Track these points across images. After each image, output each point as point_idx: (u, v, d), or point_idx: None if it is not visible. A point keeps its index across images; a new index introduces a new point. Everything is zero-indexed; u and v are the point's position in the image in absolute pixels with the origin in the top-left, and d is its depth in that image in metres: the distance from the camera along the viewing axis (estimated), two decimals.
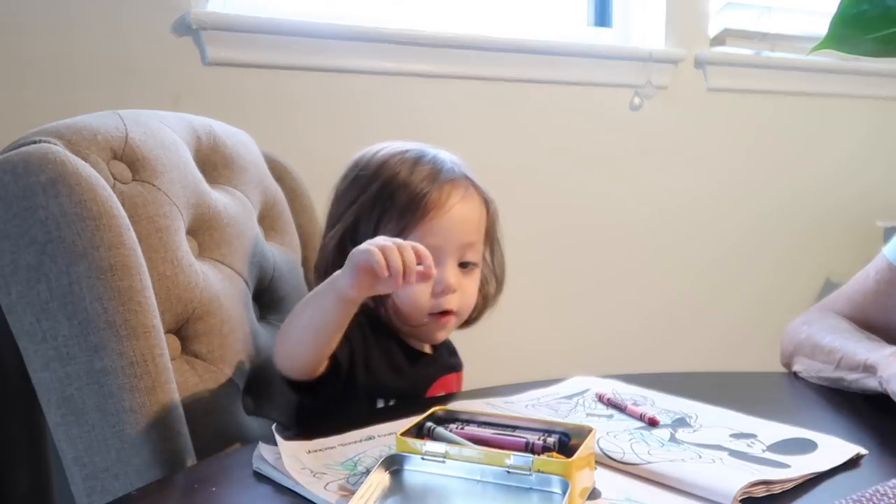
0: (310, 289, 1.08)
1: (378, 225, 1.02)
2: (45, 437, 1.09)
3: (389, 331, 1.06)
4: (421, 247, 0.85)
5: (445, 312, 1.04)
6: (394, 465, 0.72)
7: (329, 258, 1.05)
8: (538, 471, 0.67)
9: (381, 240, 0.84)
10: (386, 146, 1.07)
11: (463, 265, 1.05)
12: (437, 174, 1.04)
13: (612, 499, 0.73)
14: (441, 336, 1.08)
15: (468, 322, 1.12)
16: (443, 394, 1.09)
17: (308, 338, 0.90)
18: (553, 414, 0.94)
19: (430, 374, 1.09)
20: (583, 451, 0.69)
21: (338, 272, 0.87)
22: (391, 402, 1.03)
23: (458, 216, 1.03)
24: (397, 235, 0.98)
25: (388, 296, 1.02)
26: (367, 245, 0.83)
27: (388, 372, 1.04)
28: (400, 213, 1.01)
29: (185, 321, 1.00)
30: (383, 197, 1.02)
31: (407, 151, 1.06)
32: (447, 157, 1.08)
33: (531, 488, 0.67)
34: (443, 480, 0.70)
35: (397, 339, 1.07)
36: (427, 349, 1.11)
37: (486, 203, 1.09)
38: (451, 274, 1.03)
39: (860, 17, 0.60)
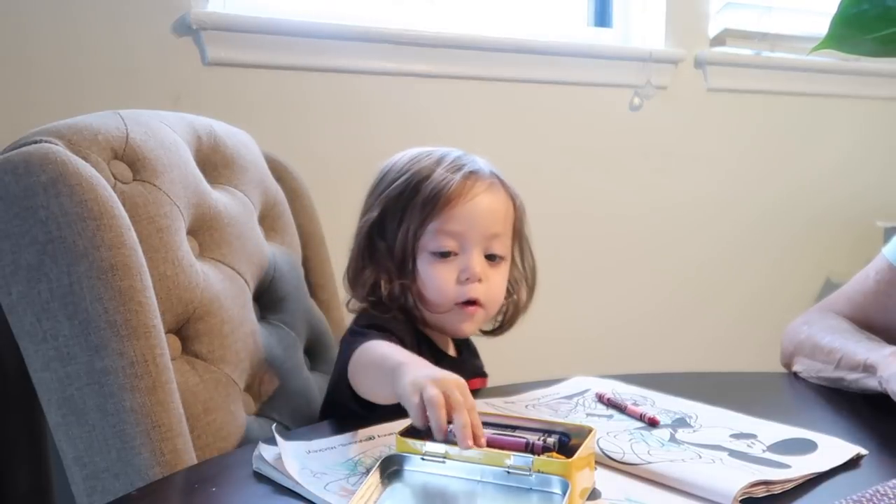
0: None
1: (403, 214, 1.03)
2: (46, 437, 1.09)
3: (418, 332, 1.07)
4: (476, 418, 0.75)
5: (471, 303, 1.04)
6: (393, 465, 0.72)
7: (357, 247, 1.07)
8: (538, 471, 0.67)
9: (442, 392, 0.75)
10: (417, 148, 1.10)
11: (490, 258, 1.05)
12: (462, 167, 1.05)
13: (612, 499, 0.73)
14: (468, 329, 1.07)
15: (500, 329, 1.13)
16: None
17: (379, 398, 0.90)
18: (553, 414, 0.95)
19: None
20: (583, 452, 0.69)
21: (408, 376, 0.79)
22: None
23: (482, 205, 1.04)
24: (420, 225, 1.02)
25: (414, 284, 1.04)
26: (432, 392, 0.74)
27: None
28: (423, 203, 1.02)
29: (186, 321, 1.00)
30: (408, 189, 1.04)
31: (435, 150, 1.09)
32: (475, 156, 1.10)
33: (531, 489, 0.67)
34: (443, 481, 0.70)
35: (427, 341, 1.08)
36: (452, 351, 1.11)
37: (513, 199, 1.09)
38: (477, 262, 1.03)
39: (860, 17, 0.60)
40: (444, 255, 1.03)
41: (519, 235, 1.11)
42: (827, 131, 2.42)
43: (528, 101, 1.93)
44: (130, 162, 0.97)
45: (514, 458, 0.68)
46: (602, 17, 2.16)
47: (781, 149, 2.35)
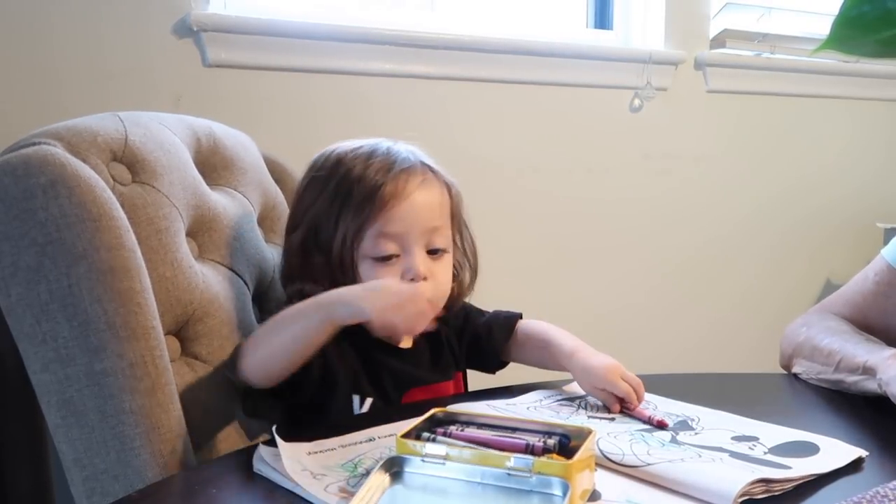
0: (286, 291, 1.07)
1: (337, 223, 1.00)
2: (46, 439, 1.09)
3: (366, 334, 1.01)
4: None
5: None
6: (394, 467, 0.72)
7: (293, 261, 1.04)
8: (538, 473, 0.66)
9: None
10: (341, 145, 1.06)
11: (432, 252, 1.03)
12: (392, 164, 1.02)
13: (612, 500, 0.73)
14: (417, 327, 1.00)
15: (445, 311, 1.09)
16: (439, 395, 1.09)
17: (289, 354, 0.92)
18: (555, 416, 0.94)
19: (406, 377, 1.06)
20: (583, 453, 0.69)
21: (335, 298, 0.90)
22: (367, 401, 1.01)
23: (418, 202, 1.01)
24: (357, 230, 0.99)
25: None
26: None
27: (361, 373, 1.03)
28: (357, 207, 0.99)
29: (185, 323, 1.00)
30: (340, 194, 1.01)
31: (360, 147, 1.04)
32: (402, 147, 1.06)
33: (532, 490, 0.67)
34: (443, 482, 0.70)
35: (376, 341, 1.03)
36: (407, 342, 1.07)
37: (448, 187, 1.07)
38: (420, 261, 1.01)
39: (861, 18, 0.60)
40: (386, 258, 1.00)
41: (457, 221, 1.09)
42: (827, 133, 2.42)
43: (528, 102, 1.93)
44: (129, 164, 0.97)
45: (514, 460, 0.68)
46: (602, 18, 2.16)
47: (781, 150, 2.35)
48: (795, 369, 1.12)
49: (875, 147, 2.51)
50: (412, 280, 1.00)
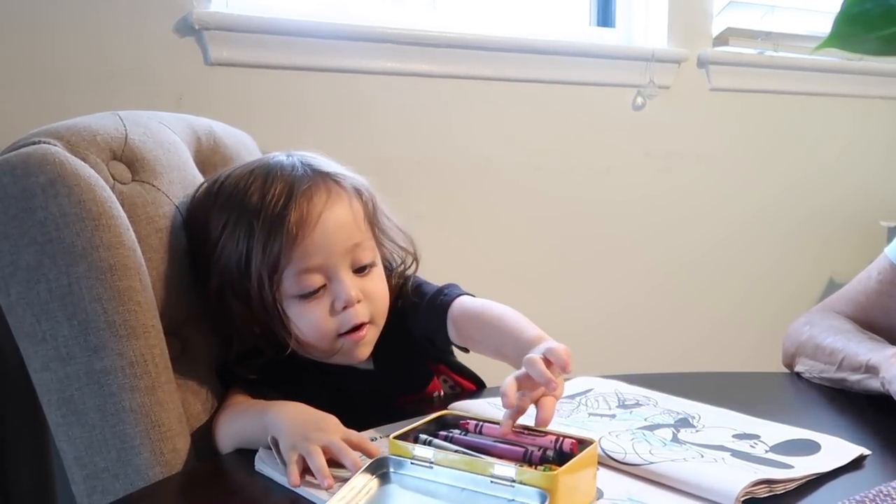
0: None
1: (248, 266, 0.91)
2: (47, 437, 1.09)
3: (316, 364, 0.99)
4: (368, 443, 0.81)
5: (358, 327, 0.94)
6: (382, 468, 0.72)
7: (215, 314, 0.97)
8: (521, 482, 0.66)
9: (320, 441, 0.79)
10: (228, 172, 0.97)
11: (359, 270, 0.95)
12: (291, 187, 0.92)
13: (614, 498, 0.73)
14: (363, 353, 0.97)
15: (400, 309, 1.01)
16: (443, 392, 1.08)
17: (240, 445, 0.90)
18: (555, 414, 0.94)
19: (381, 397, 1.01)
20: (572, 464, 0.68)
21: (273, 414, 0.85)
22: None
23: (330, 224, 0.92)
24: (272, 270, 0.90)
25: (290, 334, 0.94)
26: (304, 438, 0.79)
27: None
28: (265, 244, 0.90)
29: (185, 321, 1.00)
30: (243, 232, 0.91)
31: (252, 172, 0.95)
32: (296, 161, 0.97)
33: (513, 500, 0.66)
34: (429, 486, 0.70)
35: (327, 368, 0.99)
36: (366, 363, 1.01)
37: (357, 193, 0.97)
38: (349, 286, 0.93)
39: (863, 15, 0.60)
40: (313, 293, 0.92)
41: (375, 221, 1.00)
42: (830, 131, 2.41)
43: (530, 100, 1.93)
44: (129, 163, 0.97)
45: (497, 468, 0.67)
46: (605, 16, 2.15)
47: (785, 149, 2.35)
48: (798, 368, 1.12)
49: (878, 145, 2.50)
50: (345, 308, 0.93)
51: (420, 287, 1.04)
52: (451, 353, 1.08)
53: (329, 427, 0.82)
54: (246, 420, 0.90)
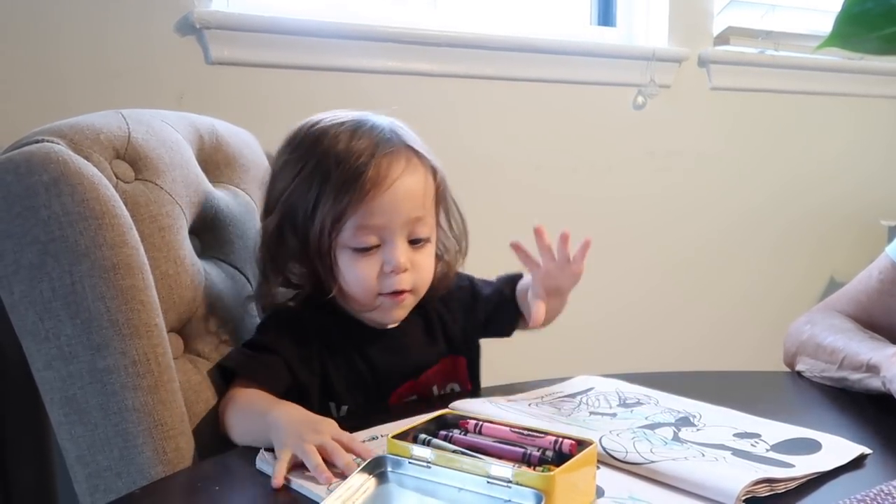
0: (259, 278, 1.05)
1: (315, 209, 0.95)
2: (49, 436, 1.09)
3: (347, 317, 1.02)
4: (359, 445, 0.82)
5: (399, 292, 0.98)
6: (380, 467, 0.72)
7: (268, 246, 1.00)
8: (517, 483, 0.66)
9: (316, 436, 0.81)
10: (322, 118, 1.01)
11: (414, 242, 0.99)
12: (375, 147, 0.96)
13: (615, 497, 0.73)
14: (398, 315, 1.02)
15: (436, 292, 1.06)
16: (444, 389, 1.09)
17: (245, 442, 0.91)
18: (556, 412, 0.94)
19: (393, 371, 1.04)
20: (568, 466, 0.68)
21: (274, 415, 0.86)
22: (343, 408, 1.01)
23: (400, 191, 0.96)
24: (336, 220, 0.94)
25: (335, 280, 0.98)
26: (299, 438, 0.80)
27: (348, 386, 1.02)
28: (336, 193, 0.94)
29: (188, 320, 1.00)
30: (319, 176, 0.95)
31: (343, 123, 0.99)
32: (387, 124, 1.01)
33: (509, 500, 0.66)
34: (426, 485, 0.70)
35: (357, 324, 1.02)
36: (393, 324, 1.04)
37: (433, 171, 1.01)
38: (401, 252, 0.97)
39: (865, 14, 0.60)
40: (366, 249, 0.96)
41: (443, 203, 1.04)
42: (831, 130, 2.41)
43: (531, 99, 1.93)
44: (132, 161, 0.97)
45: (493, 469, 0.67)
46: (605, 16, 2.15)
47: (785, 148, 2.35)
48: (799, 367, 1.12)
49: (878, 144, 2.50)
50: (392, 272, 0.97)
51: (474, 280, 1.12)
52: (479, 349, 1.13)
53: (324, 428, 0.83)
54: (251, 420, 0.91)
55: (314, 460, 0.77)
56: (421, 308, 1.05)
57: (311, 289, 1.01)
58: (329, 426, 0.84)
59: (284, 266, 1.01)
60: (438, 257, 1.05)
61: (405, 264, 0.97)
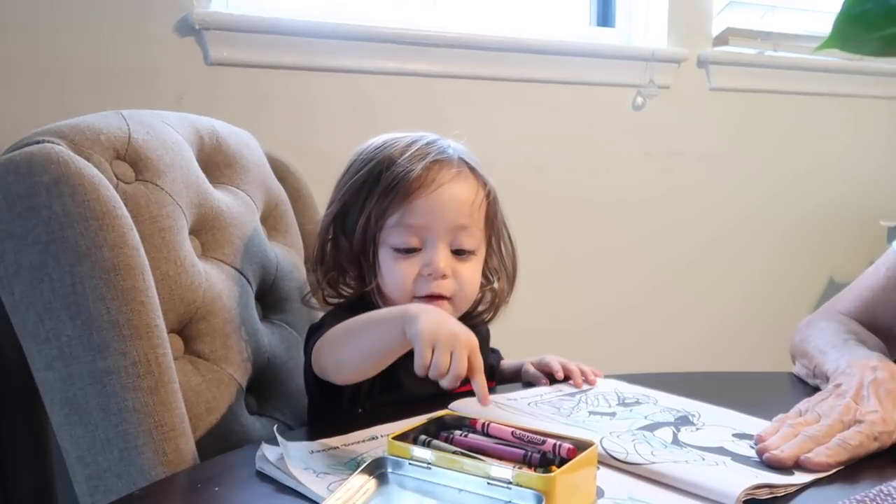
0: (309, 276, 1.08)
1: (363, 206, 0.98)
2: (49, 437, 1.09)
3: None
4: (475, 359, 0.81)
5: (435, 297, 0.97)
6: (380, 468, 0.72)
7: (320, 237, 1.04)
8: (518, 485, 0.66)
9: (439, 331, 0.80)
10: (390, 134, 1.04)
11: (458, 252, 0.99)
12: (427, 154, 0.98)
13: (615, 497, 0.73)
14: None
15: (480, 317, 1.06)
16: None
17: (367, 361, 0.88)
18: (555, 412, 0.94)
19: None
20: (569, 467, 0.68)
21: (414, 312, 0.83)
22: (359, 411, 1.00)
23: (446, 196, 0.97)
24: (379, 216, 0.96)
25: (374, 279, 0.99)
26: (454, 338, 0.80)
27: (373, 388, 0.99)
28: (383, 192, 0.96)
29: (188, 321, 1.00)
30: (371, 178, 0.98)
31: (404, 137, 1.02)
32: (448, 142, 1.03)
33: (510, 501, 0.66)
34: (426, 486, 0.70)
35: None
36: None
37: (485, 187, 1.02)
38: (441, 257, 0.97)
39: (864, 16, 0.60)
40: (407, 251, 0.97)
41: (493, 224, 1.05)
42: (830, 131, 2.41)
43: (530, 100, 1.93)
44: (133, 162, 0.97)
45: (494, 470, 0.67)
46: (605, 16, 2.15)
47: (784, 149, 2.35)
48: (793, 369, 1.12)
49: (878, 145, 2.50)
50: (430, 275, 0.96)
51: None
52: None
53: (474, 343, 0.81)
54: (370, 322, 0.88)
55: (459, 369, 0.78)
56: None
57: (357, 287, 1.03)
58: (476, 342, 0.82)
59: (333, 263, 1.03)
60: (486, 279, 1.05)
61: (444, 269, 0.97)
